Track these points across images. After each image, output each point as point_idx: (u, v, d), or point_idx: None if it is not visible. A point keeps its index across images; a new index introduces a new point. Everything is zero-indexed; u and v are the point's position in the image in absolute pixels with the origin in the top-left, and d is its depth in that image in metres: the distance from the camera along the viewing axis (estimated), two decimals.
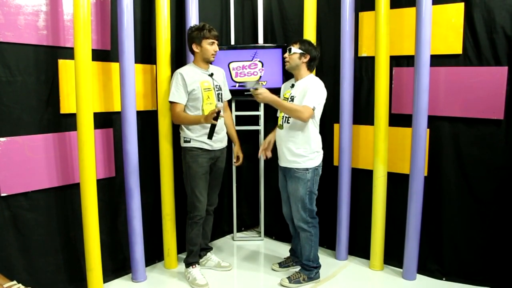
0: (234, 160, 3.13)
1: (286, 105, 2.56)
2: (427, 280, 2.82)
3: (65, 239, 2.56)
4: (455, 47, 2.65)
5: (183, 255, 2.97)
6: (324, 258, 3.14)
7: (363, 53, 3.03)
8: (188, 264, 2.85)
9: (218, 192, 3.01)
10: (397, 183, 2.92)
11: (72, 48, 2.39)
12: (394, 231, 2.95)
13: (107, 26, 2.70)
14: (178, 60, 3.10)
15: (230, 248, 3.47)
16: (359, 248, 3.17)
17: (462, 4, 2.60)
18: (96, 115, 2.55)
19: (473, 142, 2.67)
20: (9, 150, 2.27)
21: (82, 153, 2.43)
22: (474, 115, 2.63)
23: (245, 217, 3.80)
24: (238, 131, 3.48)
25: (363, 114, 3.07)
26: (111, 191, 2.81)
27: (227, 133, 2.96)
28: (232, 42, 3.56)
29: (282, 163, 2.75)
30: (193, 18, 2.98)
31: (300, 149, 2.64)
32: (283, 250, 3.33)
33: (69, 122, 2.51)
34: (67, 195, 2.56)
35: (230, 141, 3.24)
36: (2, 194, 2.25)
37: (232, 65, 3.28)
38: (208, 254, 3.09)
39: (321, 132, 2.73)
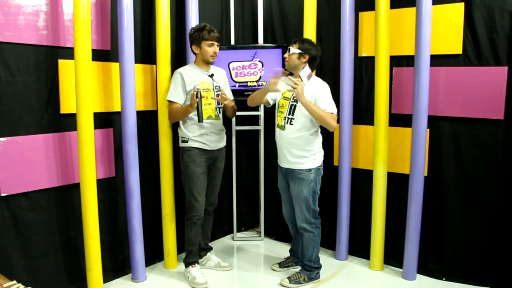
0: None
1: (317, 110, 2.50)
2: (427, 280, 2.82)
3: (65, 239, 2.56)
4: (455, 47, 2.65)
5: (183, 255, 2.97)
6: (324, 258, 3.14)
7: (363, 53, 3.03)
8: (188, 264, 2.86)
9: (217, 192, 3.00)
10: (397, 183, 2.92)
11: (72, 48, 2.39)
12: (394, 231, 2.95)
13: (107, 26, 2.70)
14: (178, 60, 3.10)
15: (230, 248, 3.47)
16: (359, 248, 3.17)
17: (462, 4, 2.60)
18: (96, 115, 2.55)
19: (473, 142, 2.67)
20: (9, 150, 2.27)
21: (82, 153, 2.43)
22: (474, 115, 2.63)
23: (245, 217, 3.80)
24: (238, 131, 3.49)
25: (363, 114, 3.07)
26: (111, 191, 2.81)
27: (224, 109, 2.86)
28: (232, 42, 3.56)
29: (284, 164, 2.73)
30: (193, 18, 2.98)
31: (303, 150, 2.64)
32: (283, 250, 3.32)
33: (69, 122, 2.51)
34: (67, 195, 2.56)
35: (229, 141, 3.25)
36: (2, 194, 2.25)
37: (232, 65, 3.28)
38: (208, 254, 3.09)
39: (321, 132, 2.73)
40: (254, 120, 3.53)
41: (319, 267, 2.84)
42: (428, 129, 2.69)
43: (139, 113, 2.77)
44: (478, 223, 2.69)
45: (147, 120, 2.95)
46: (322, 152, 2.72)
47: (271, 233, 3.62)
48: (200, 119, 2.58)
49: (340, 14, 2.95)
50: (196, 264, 2.86)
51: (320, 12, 3.12)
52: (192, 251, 2.85)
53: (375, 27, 2.81)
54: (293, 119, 2.63)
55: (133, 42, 2.62)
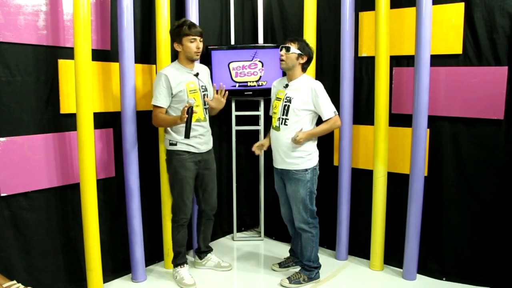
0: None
1: (322, 128, 2.63)
2: (427, 280, 2.82)
3: (65, 239, 2.56)
4: (455, 47, 2.65)
5: None
6: (324, 258, 3.14)
7: (363, 53, 3.03)
8: (176, 264, 2.84)
9: (216, 194, 2.96)
10: (397, 183, 2.92)
11: (72, 48, 2.39)
12: (394, 231, 2.95)
13: (107, 26, 2.70)
14: None
15: (230, 248, 3.47)
16: (359, 248, 3.17)
17: (462, 4, 2.60)
18: (96, 115, 2.55)
19: (473, 142, 2.67)
20: (9, 150, 2.27)
21: (82, 153, 2.43)
22: (474, 115, 2.63)
23: (245, 217, 3.80)
24: (238, 131, 3.49)
25: (363, 114, 3.07)
26: (111, 191, 2.81)
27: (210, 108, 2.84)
28: (232, 42, 3.56)
29: (279, 165, 2.72)
30: (193, 18, 2.98)
31: (298, 151, 2.63)
32: (283, 250, 3.32)
33: (69, 122, 2.51)
34: (67, 195, 2.56)
35: (229, 141, 3.24)
36: (2, 194, 2.25)
37: (232, 65, 3.28)
38: (209, 254, 3.09)
39: None
40: (254, 120, 3.53)
41: (319, 266, 2.84)
42: (428, 129, 2.69)
43: (139, 113, 2.77)
44: (478, 223, 2.69)
45: (147, 120, 2.95)
46: (317, 152, 2.72)
47: (271, 233, 3.62)
48: (187, 135, 2.46)
49: (340, 14, 2.95)
50: (185, 265, 2.84)
51: (320, 12, 3.12)
52: (180, 253, 2.83)
53: (375, 27, 2.81)
54: (287, 119, 2.63)
55: (133, 42, 2.62)
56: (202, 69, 2.82)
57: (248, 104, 3.50)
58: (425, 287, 2.75)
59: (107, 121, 2.75)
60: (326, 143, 3.19)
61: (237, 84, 3.30)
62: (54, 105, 2.46)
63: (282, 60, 2.63)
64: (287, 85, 2.68)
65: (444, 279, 2.80)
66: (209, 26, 3.32)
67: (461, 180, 2.73)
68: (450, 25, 2.65)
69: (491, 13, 2.52)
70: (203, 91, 2.73)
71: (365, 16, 3.00)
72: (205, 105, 2.74)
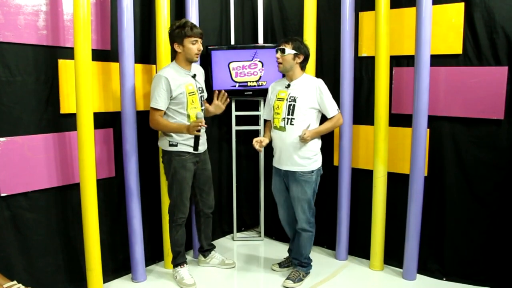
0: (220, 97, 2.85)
1: (327, 126, 2.66)
2: (427, 280, 2.82)
3: (65, 239, 2.56)
4: (455, 47, 2.65)
5: None
6: (324, 258, 3.15)
7: (363, 53, 3.03)
8: (176, 264, 2.83)
9: (213, 193, 2.97)
10: (397, 183, 2.92)
11: (72, 48, 2.39)
12: (394, 231, 2.95)
13: (107, 26, 2.70)
14: None
15: (230, 248, 3.47)
16: (359, 248, 3.17)
17: (462, 4, 2.60)
18: (96, 115, 2.55)
19: (473, 142, 2.67)
20: (9, 150, 2.27)
21: (82, 153, 2.43)
22: (474, 115, 2.63)
23: (245, 217, 3.80)
24: (238, 131, 3.49)
25: (363, 114, 3.07)
26: (111, 191, 2.81)
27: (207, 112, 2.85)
28: (232, 42, 3.56)
29: (284, 166, 2.70)
30: (193, 18, 2.98)
31: (307, 152, 2.63)
32: (283, 250, 3.31)
33: (69, 122, 2.51)
34: (67, 195, 2.56)
35: (229, 141, 3.23)
36: (2, 194, 2.25)
37: (232, 65, 3.28)
38: (213, 252, 3.09)
39: None
40: (254, 120, 3.53)
41: (311, 260, 2.88)
42: (428, 129, 2.69)
43: (139, 113, 2.77)
44: (478, 223, 2.69)
45: (147, 120, 2.95)
46: (320, 152, 2.73)
47: (271, 233, 3.62)
48: (195, 148, 2.55)
49: (340, 14, 2.95)
50: (185, 265, 2.84)
51: (320, 12, 3.12)
52: (180, 252, 2.82)
53: (375, 27, 2.81)
54: (293, 119, 2.62)
55: (133, 42, 2.62)
56: (199, 70, 2.82)
57: (248, 104, 3.50)
58: (425, 287, 2.75)
59: (107, 121, 2.75)
60: (326, 143, 3.18)
61: (237, 84, 3.30)
62: (54, 105, 2.46)
63: (279, 63, 2.64)
64: (289, 85, 2.68)
65: (444, 279, 2.80)
66: (209, 26, 3.32)
67: (461, 180, 2.73)
68: (450, 25, 2.65)
69: (491, 13, 2.52)
70: (200, 93, 2.73)
71: (365, 16, 3.00)
72: (202, 106, 2.74)
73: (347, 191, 3.09)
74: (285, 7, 3.41)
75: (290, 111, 2.63)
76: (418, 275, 2.84)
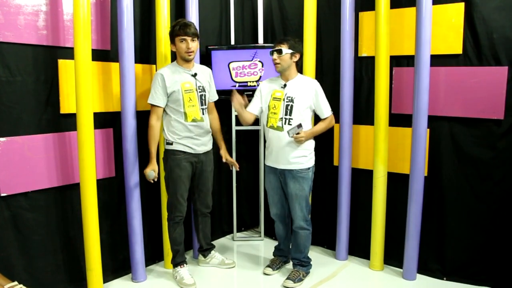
0: (231, 168, 3.12)
1: (321, 127, 2.71)
2: (427, 280, 2.82)
3: (65, 239, 2.56)
4: (455, 47, 2.65)
5: None
6: (324, 258, 3.14)
7: (363, 53, 3.03)
8: (176, 264, 2.83)
9: (211, 193, 2.96)
10: (397, 183, 2.92)
11: (72, 48, 2.39)
12: (394, 231, 2.95)
13: (107, 26, 2.70)
14: None
15: (230, 248, 3.47)
16: (359, 248, 3.17)
17: (462, 4, 2.60)
18: (96, 115, 2.55)
19: (473, 142, 2.67)
20: (9, 150, 2.27)
21: (82, 153, 2.43)
22: (474, 115, 2.63)
23: (245, 217, 3.80)
24: (238, 131, 3.48)
25: (363, 114, 3.07)
26: (111, 191, 2.81)
27: (212, 136, 2.89)
28: (232, 42, 3.56)
29: (281, 165, 2.71)
30: (193, 18, 2.98)
31: (304, 150, 2.66)
32: None
33: (69, 122, 2.51)
34: (67, 195, 2.56)
35: (229, 141, 3.23)
36: (2, 194, 2.25)
37: (232, 65, 3.28)
38: (212, 252, 3.09)
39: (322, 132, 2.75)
40: (254, 120, 3.52)
41: (311, 259, 2.88)
42: (428, 129, 2.69)
43: (139, 113, 2.77)
44: (478, 223, 2.69)
45: (147, 120, 2.95)
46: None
47: (271, 233, 3.61)
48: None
49: (340, 14, 2.95)
50: (185, 264, 2.84)
51: (320, 12, 3.12)
52: (179, 251, 2.82)
53: (375, 27, 2.81)
54: (291, 119, 2.63)
55: (133, 42, 2.62)
56: (202, 70, 2.80)
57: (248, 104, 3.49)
58: (425, 287, 2.75)
59: (107, 121, 2.75)
60: (326, 143, 3.19)
61: (237, 84, 3.30)
62: (54, 105, 2.46)
63: (277, 63, 2.66)
64: (285, 85, 2.69)
65: (444, 278, 2.80)
66: (209, 26, 3.32)
67: (461, 180, 2.73)
68: (450, 25, 2.65)
69: (491, 13, 2.52)
70: (200, 92, 2.72)
71: (365, 16, 3.00)
72: (202, 105, 2.72)
73: (347, 191, 3.09)
74: (285, 7, 3.41)
75: (288, 111, 2.64)
76: (418, 275, 2.84)
